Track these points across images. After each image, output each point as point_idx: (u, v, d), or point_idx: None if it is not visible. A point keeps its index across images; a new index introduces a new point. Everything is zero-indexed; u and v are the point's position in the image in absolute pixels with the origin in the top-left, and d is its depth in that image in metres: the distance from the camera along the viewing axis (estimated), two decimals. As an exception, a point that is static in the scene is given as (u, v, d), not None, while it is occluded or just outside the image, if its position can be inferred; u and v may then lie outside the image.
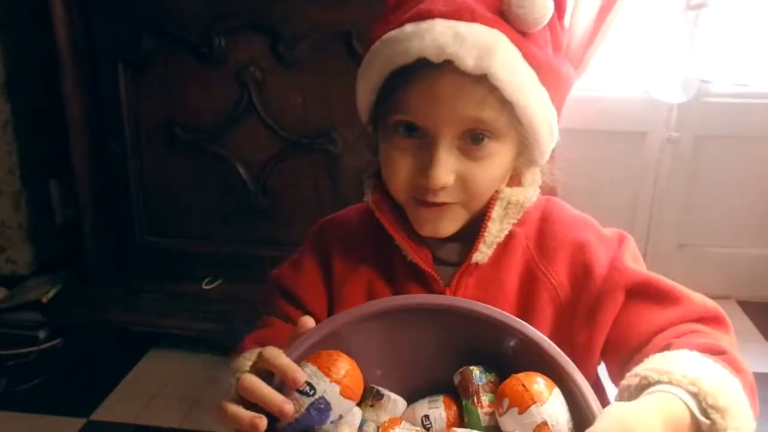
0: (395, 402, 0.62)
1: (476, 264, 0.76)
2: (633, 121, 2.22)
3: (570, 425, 0.55)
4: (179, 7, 2.03)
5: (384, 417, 0.61)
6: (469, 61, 0.65)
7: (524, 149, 0.74)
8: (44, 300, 2.21)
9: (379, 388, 0.62)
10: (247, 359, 0.71)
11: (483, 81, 0.67)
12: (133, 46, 2.07)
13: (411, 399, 0.64)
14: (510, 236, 0.76)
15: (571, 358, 0.60)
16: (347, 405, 0.57)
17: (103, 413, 1.91)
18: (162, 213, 2.22)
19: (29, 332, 2.20)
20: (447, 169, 0.69)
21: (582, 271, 0.75)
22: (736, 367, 0.63)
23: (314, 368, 0.56)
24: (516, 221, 0.76)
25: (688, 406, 0.57)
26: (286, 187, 2.14)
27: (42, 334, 2.20)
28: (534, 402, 0.54)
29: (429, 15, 0.67)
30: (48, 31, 2.04)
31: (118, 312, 2.19)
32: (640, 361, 0.64)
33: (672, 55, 2.09)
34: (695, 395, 0.58)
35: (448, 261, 0.78)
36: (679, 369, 0.59)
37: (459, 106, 0.68)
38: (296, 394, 0.55)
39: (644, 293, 0.72)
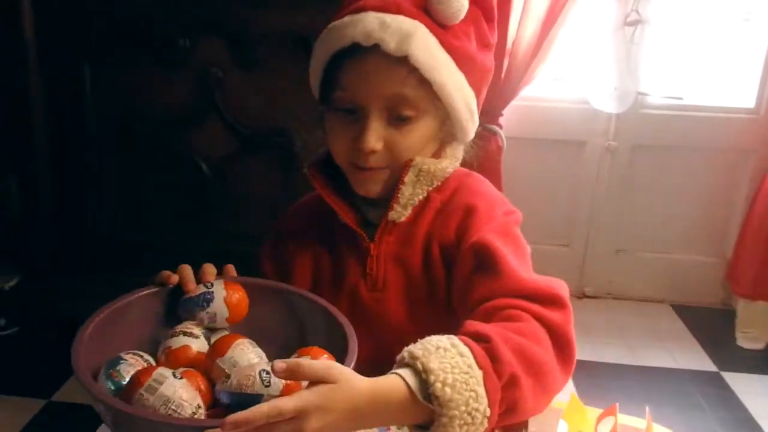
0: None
1: (394, 222, 0.87)
2: (573, 131, 2.36)
3: None
4: (145, 9, 2.12)
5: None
6: (391, 44, 0.79)
7: (444, 123, 0.87)
8: (6, 287, 2.26)
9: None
10: None
11: (404, 62, 0.80)
12: (100, 46, 2.15)
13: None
14: (427, 200, 0.88)
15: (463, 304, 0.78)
16: (223, 309, 0.79)
17: (63, 395, 1.97)
18: (121, 207, 2.29)
19: (-14, 320, 2.25)
20: (376, 135, 0.82)
21: (463, 231, 0.85)
22: (494, 356, 0.66)
23: (220, 281, 0.81)
24: (431, 187, 0.87)
25: (411, 390, 0.63)
26: (244, 183, 2.22)
27: (1, 322, 2.25)
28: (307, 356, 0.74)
29: (363, 9, 0.82)
30: (15, 29, 2.10)
31: (75, 303, 2.21)
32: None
33: (611, 68, 2.23)
34: (425, 381, 0.63)
35: (376, 222, 0.90)
36: (426, 357, 0.64)
37: (384, 82, 0.81)
38: (201, 286, 0.80)
39: (484, 265, 0.78)
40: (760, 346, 2.29)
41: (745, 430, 1.91)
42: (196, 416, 0.63)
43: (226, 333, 0.79)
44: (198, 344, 0.74)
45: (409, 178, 0.85)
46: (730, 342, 2.32)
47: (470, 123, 0.87)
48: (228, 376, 0.64)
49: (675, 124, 2.34)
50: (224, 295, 0.78)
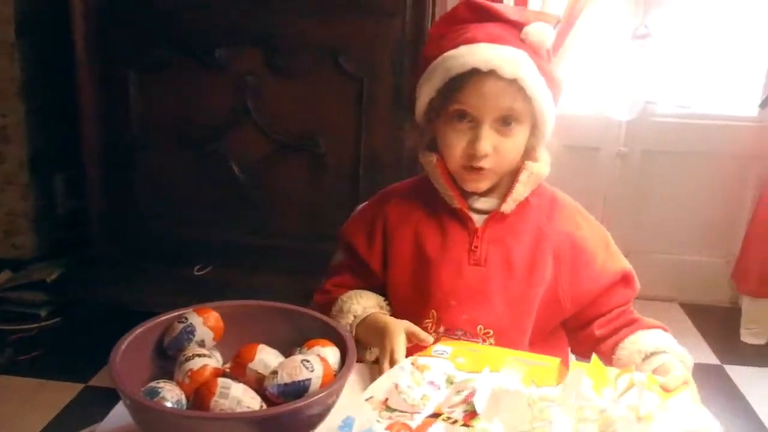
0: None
1: (502, 213, 1.06)
2: (587, 137, 2.49)
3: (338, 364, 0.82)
4: (188, 21, 2.27)
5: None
6: (507, 69, 0.98)
7: (535, 128, 1.05)
8: (48, 280, 2.40)
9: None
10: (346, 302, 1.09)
11: (514, 83, 0.99)
12: (144, 54, 2.30)
13: None
14: (527, 201, 1.07)
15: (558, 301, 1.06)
16: (208, 333, 0.84)
17: (100, 380, 2.11)
18: (164, 204, 2.43)
19: (32, 310, 2.39)
20: (489, 142, 1.01)
21: (576, 246, 1.08)
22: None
23: (191, 312, 0.85)
24: (534, 187, 1.07)
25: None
26: (275, 183, 2.36)
27: (43, 312, 2.40)
28: (318, 345, 0.85)
29: (476, 40, 1.01)
30: (65, 38, 2.26)
31: (113, 293, 2.38)
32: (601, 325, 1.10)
33: (621, 77, 2.37)
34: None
35: (481, 210, 1.09)
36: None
37: (499, 99, 1.00)
38: (176, 324, 0.83)
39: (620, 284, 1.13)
40: (762, 341, 2.39)
41: (743, 418, 2.04)
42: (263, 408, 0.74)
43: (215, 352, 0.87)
44: (213, 362, 0.82)
45: (522, 177, 1.05)
46: (734, 338, 2.43)
47: (551, 127, 1.06)
48: (275, 373, 0.76)
49: (683, 131, 2.47)
50: (201, 321, 0.83)
